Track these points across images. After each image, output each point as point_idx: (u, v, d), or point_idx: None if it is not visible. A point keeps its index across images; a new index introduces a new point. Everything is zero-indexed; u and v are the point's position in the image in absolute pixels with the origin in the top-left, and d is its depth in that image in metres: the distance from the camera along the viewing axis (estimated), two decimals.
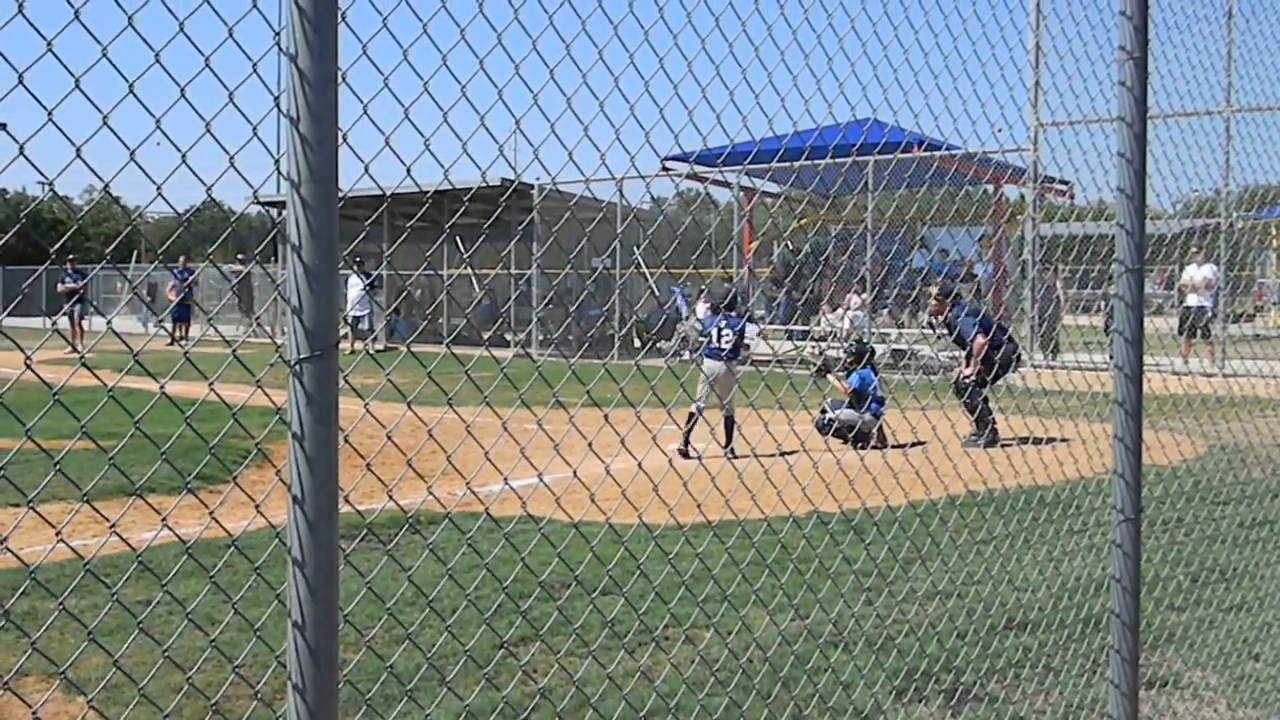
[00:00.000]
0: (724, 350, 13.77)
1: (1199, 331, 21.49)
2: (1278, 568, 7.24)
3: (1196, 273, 22.21)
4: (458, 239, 28.05)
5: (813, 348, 24.53)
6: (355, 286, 28.53)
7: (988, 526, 7.65)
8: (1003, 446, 11.19)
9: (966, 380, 13.86)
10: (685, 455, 12.41)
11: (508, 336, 28.88)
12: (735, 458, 11.79)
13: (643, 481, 3.36)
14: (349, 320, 29.16)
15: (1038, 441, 11.82)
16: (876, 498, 4.37)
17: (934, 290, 15.33)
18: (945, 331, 15.53)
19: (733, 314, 14.08)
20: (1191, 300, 22.27)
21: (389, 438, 2.51)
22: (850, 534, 7.35)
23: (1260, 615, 6.37)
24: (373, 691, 3.17)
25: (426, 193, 2.65)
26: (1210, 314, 21.70)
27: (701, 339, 28.44)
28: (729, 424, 12.73)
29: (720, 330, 13.89)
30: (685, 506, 3.66)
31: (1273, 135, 6.88)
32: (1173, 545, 7.70)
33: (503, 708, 4.77)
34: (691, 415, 12.81)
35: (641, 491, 3.38)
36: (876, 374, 14.24)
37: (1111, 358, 4.08)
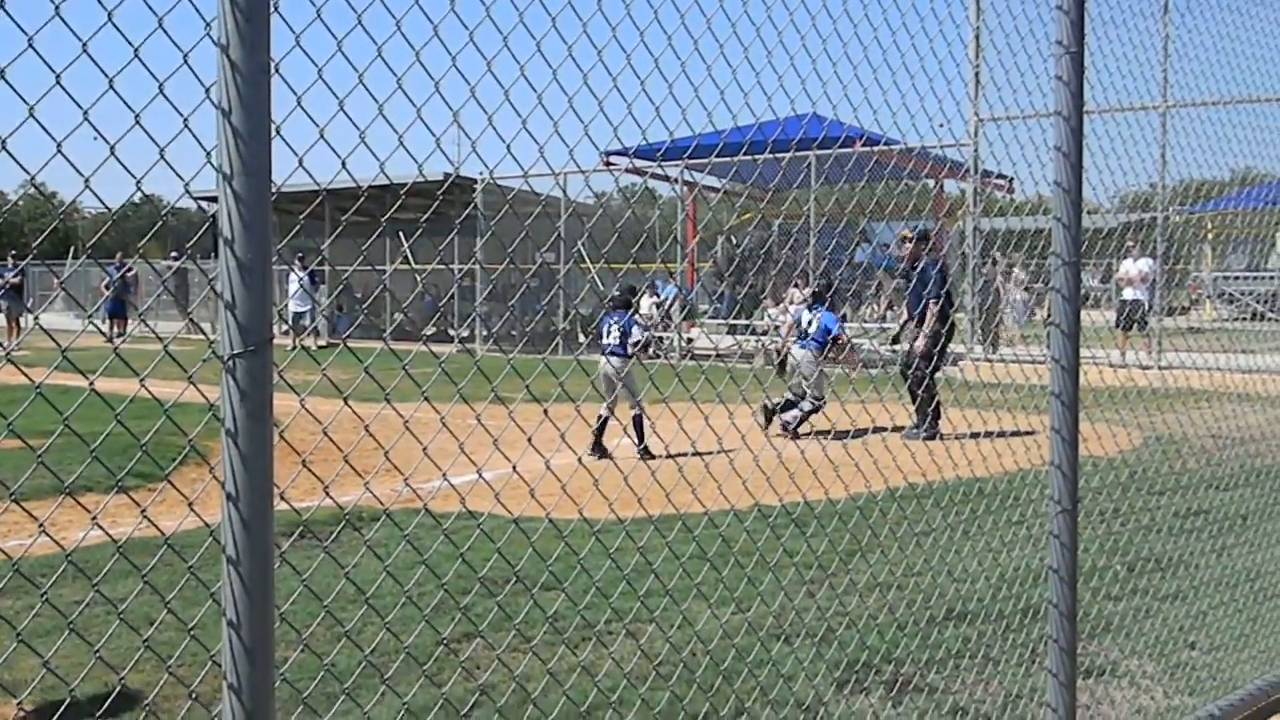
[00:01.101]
0: (613, 346, 13.19)
1: (1135, 324, 21.76)
2: (1212, 556, 7.34)
3: (1132, 266, 22.48)
4: (400, 234, 27.94)
5: (756, 342, 24.62)
6: (295, 283, 28.32)
7: (927, 519, 7.70)
8: (941, 439, 11.13)
9: (917, 358, 13.37)
10: (603, 454, 11.88)
11: (450, 332, 28.76)
12: (650, 457, 11.52)
13: (583, 477, 3.35)
14: (288, 317, 28.93)
15: (975, 436, 11.89)
16: (817, 491, 4.39)
17: (906, 232, 14.45)
18: (903, 282, 14.77)
19: (622, 312, 13.58)
20: (1128, 294, 22.55)
21: (325, 434, 2.48)
22: (791, 527, 7.37)
23: (1195, 603, 6.45)
24: (311, 690, 3.14)
25: (365, 188, 2.62)
26: (1146, 307, 21.98)
27: (647, 335, 28.52)
28: (638, 422, 12.55)
29: (609, 328, 13.40)
30: (626, 501, 3.65)
31: (1208, 130, 6.96)
32: (1109, 535, 7.79)
33: (444, 705, 4.74)
34: (601, 417, 12.52)
35: (582, 487, 3.37)
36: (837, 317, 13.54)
37: (1048, 350, 4.11)
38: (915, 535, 7.34)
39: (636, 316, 13.59)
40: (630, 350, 12.91)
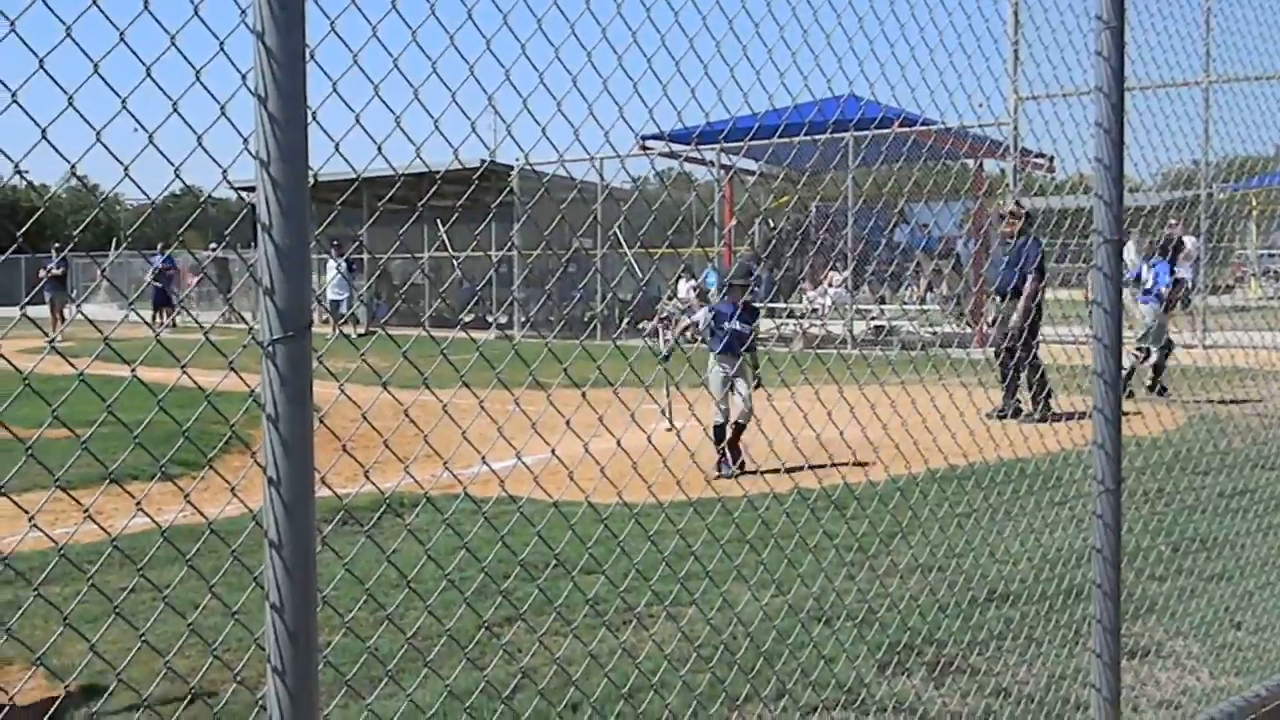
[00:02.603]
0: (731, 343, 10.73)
1: (1179, 303, 21.55)
2: (1258, 536, 7.27)
3: None
4: (438, 221, 28.00)
5: (794, 325, 24.55)
6: (333, 270, 28.47)
7: (968, 500, 7.67)
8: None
9: (1013, 340, 12.32)
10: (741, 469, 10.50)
11: (489, 319, 28.84)
12: (743, 473, 10.23)
13: (622, 460, 3.35)
14: (327, 305, 29.11)
15: (1017, 416, 11.78)
16: (858, 473, 4.39)
17: (1010, 207, 13.79)
18: (1002, 258, 13.91)
19: (730, 301, 11.05)
20: None
21: (365, 419, 2.50)
22: (831, 509, 7.36)
23: (1241, 584, 6.40)
24: (355, 673, 3.17)
25: (402, 175, 2.63)
26: (1190, 285, 21.77)
27: (684, 319, 28.41)
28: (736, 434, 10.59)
29: (717, 319, 10.95)
30: (665, 485, 3.65)
31: (1251, 105, 6.88)
32: (1154, 515, 7.73)
33: (485, 687, 4.77)
34: (718, 427, 10.46)
35: (621, 470, 3.37)
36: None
37: (1090, 328, 4.08)
38: (957, 516, 7.31)
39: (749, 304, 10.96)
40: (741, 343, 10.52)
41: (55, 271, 31.58)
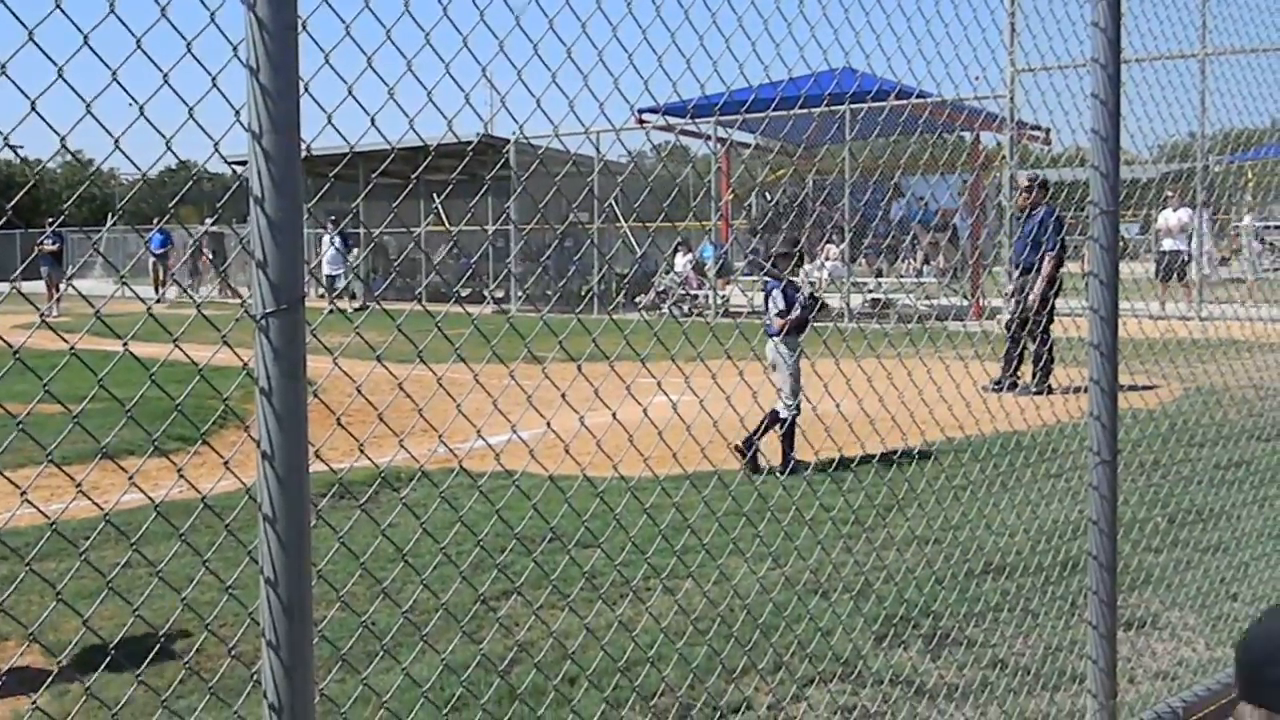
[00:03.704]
0: (768, 326, 9.73)
1: (1175, 275, 21.55)
2: (1254, 508, 7.29)
3: (1171, 217, 22.26)
4: (434, 195, 27.94)
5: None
6: (328, 245, 28.43)
7: (964, 472, 7.67)
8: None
9: (1029, 311, 12.42)
10: (755, 468, 8.88)
11: (485, 293, 28.80)
12: (792, 472, 8.59)
13: (618, 434, 3.35)
14: (323, 279, 29.08)
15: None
16: (854, 447, 4.39)
17: (1023, 180, 13.29)
18: (1018, 230, 13.72)
19: (775, 280, 9.82)
20: (1167, 244, 22.34)
21: (360, 392, 2.49)
22: (828, 482, 7.36)
23: (1237, 555, 6.41)
24: (351, 647, 3.17)
25: (394, 149, 2.61)
26: (1185, 257, 21.78)
27: (681, 291, 28.41)
28: (786, 429, 9.10)
29: (770, 298, 9.84)
30: (662, 458, 3.65)
31: (1248, 77, 6.86)
32: (1150, 488, 7.74)
33: (482, 661, 4.78)
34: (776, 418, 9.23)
35: (618, 444, 3.37)
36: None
37: (1087, 300, 4.07)
38: (953, 489, 7.31)
39: (791, 281, 9.71)
40: (780, 326, 9.46)
41: (50, 247, 31.49)
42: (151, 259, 34.56)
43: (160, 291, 32.08)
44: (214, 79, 2.14)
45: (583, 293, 25.76)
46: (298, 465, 2.13)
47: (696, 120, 20.91)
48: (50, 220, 33.28)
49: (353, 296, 30.60)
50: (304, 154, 2.16)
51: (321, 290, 28.07)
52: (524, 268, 30.00)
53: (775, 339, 9.50)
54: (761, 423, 8.97)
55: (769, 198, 28.27)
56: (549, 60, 2.74)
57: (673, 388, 3.38)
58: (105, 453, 2.25)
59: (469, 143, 3.15)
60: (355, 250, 29.59)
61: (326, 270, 28.71)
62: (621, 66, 3.04)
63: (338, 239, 28.44)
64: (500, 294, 29.36)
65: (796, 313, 9.40)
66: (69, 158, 2.13)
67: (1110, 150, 3.89)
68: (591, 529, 4.26)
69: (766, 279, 10.17)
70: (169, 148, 2.13)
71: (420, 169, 3.10)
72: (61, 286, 32.35)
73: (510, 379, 2.74)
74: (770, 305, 9.67)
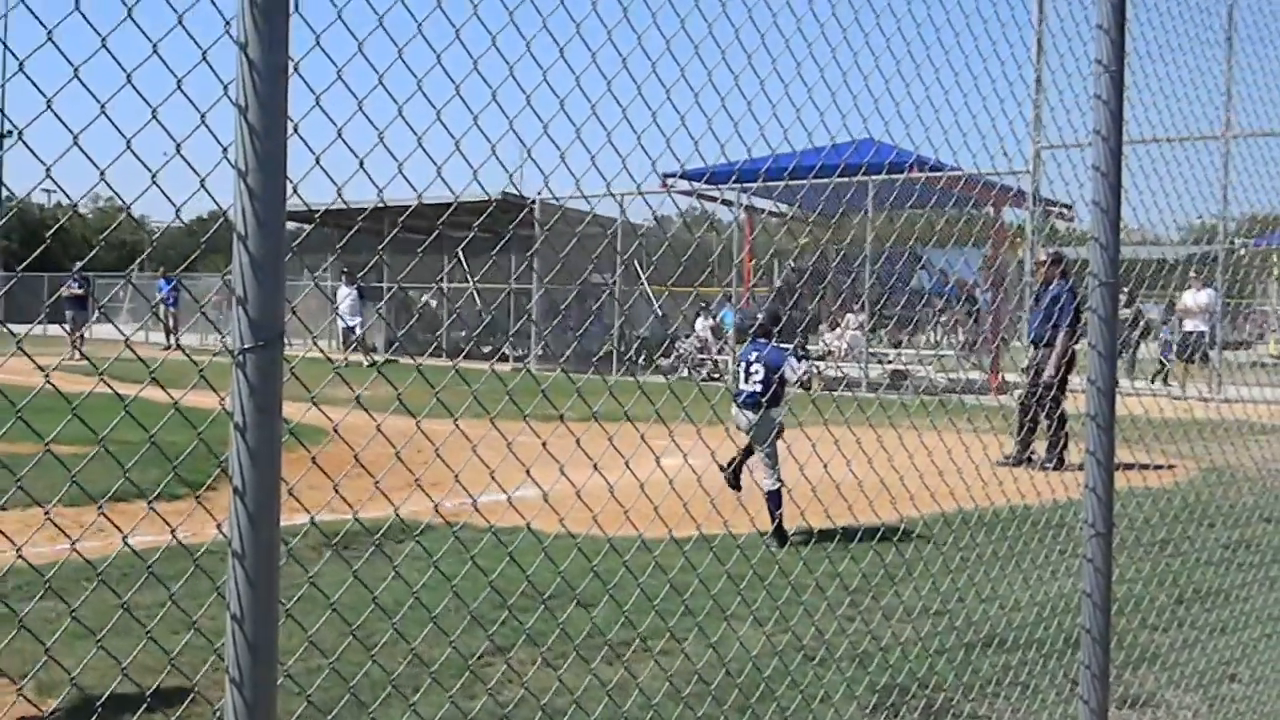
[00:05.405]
0: (753, 394, 9.21)
1: (1195, 356, 21.48)
2: (1257, 587, 7.21)
3: (1193, 298, 22.21)
4: (459, 253, 28.05)
5: (809, 366, 24.44)
6: (347, 298, 28.55)
7: (970, 542, 7.60)
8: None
9: (1047, 388, 12.47)
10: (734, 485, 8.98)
11: (506, 351, 28.86)
12: (783, 545, 8.37)
13: (619, 497, 3.34)
14: (341, 331, 29.24)
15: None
16: (866, 513, 4.37)
17: (1041, 256, 13.39)
18: (1034, 305, 13.78)
19: (765, 340, 9.55)
20: (1188, 325, 22.28)
21: (336, 431, 2.49)
22: (831, 548, 7.31)
23: (1239, 635, 6.34)
24: (339, 709, 3.17)
25: (413, 206, 2.64)
26: (1207, 339, 21.69)
27: (701, 357, 28.35)
28: (771, 500, 8.75)
29: (749, 365, 9.47)
30: (667, 519, 3.63)
31: (1272, 158, 6.87)
32: (1158, 565, 7.67)
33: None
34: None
35: (615, 508, 3.35)
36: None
37: (1088, 374, 4.06)
38: (959, 558, 7.25)
39: (784, 346, 9.48)
40: (790, 383, 9.22)
41: (76, 291, 31.70)
42: (163, 306, 34.87)
43: (171, 338, 32.26)
44: (203, 116, 2.17)
45: (606, 353, 25.81)
46: (268, 502, 2.13)
47: (720, 187, 21.01)
48: (78, 264, 33.50)
49: (371, 349, 30.68)
50: (329, 207, 2.19)
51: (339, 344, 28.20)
52: (544, 326, 30.11)
53: (748, 412, 9.13)
54: (769, 507, 8.52)
55: (793, 266, 28.37)
56: (574, 119, 2.78)
57: (672, 450, 3.38)
58: (91, 496, 2.27)
59: (491, 200, 3.17)
60: (372, 304, 29.71)
61: (343, 323, 28.86)
62: (645, 123, 3.05)
63: (354, 291, 28.57)
64: (519, 352, 29.42)
65: (800, 371, 9.27)
66: (101, 203, 2.17)
67: (1110, 222, 3.89)
68: (587, 590, 4.25)
69: (754, 347, 9.61)
70: (155, 182, 2.16)
71: (439, 224, 3.12)
72: (86, 334, 32.60)
73: (507, 446, 2.75)
74: (766, 370, 9.23)
